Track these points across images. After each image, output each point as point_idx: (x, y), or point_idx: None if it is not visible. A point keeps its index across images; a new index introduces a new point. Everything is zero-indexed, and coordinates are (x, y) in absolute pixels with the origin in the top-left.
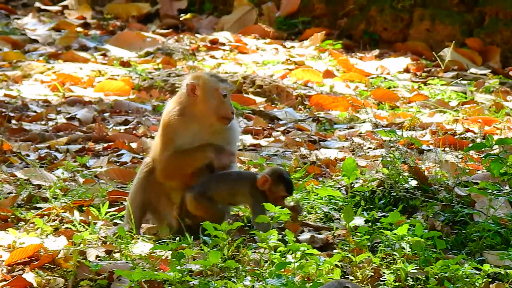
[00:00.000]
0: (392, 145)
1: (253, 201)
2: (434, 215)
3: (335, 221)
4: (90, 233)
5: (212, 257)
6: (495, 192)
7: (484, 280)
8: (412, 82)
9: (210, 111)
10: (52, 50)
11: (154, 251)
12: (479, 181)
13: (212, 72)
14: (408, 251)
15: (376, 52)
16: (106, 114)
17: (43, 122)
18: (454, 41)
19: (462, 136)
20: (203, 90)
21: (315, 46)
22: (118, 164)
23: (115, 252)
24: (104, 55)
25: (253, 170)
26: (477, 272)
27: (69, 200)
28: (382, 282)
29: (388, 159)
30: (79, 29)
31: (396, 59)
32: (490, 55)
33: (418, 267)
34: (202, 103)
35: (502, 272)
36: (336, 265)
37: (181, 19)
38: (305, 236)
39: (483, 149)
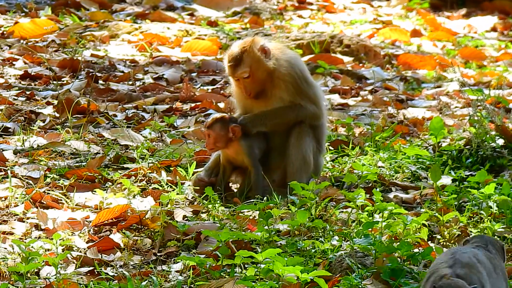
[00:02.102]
0: (479, 104)
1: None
2: None
3: (422, 180)
4: (178, 193)
5: (300, 216)
6: None
7: None
8: (499, 41)
9: None
10: (139, 10)
11: (241, 211)
12: None
13: None
14: (495, 210)
15: (463, 11)
16: (194, 74)
17: (130, 82)
18: None
19: None
20: None
21: (402, 5)
22: None
23: (202, 212)
24: (191, 14)
25: (340, 129)
26: None
27: (156, 161)
28: None
29: (476, 118)
30: None
31: (484, 18)
32: None
33: (505, 225)
34: None
35: None
36: (424, 224)
37: None
38: (393, 195)
39: None
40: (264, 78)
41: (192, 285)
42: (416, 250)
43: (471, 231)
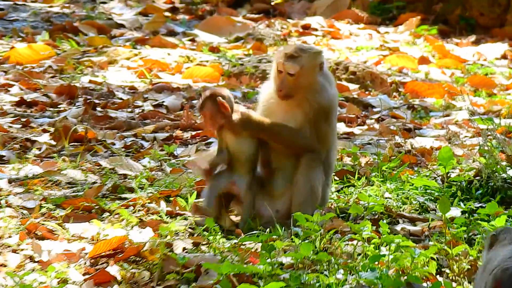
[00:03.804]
0: (489, 133)
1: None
2: None
3: (430, 212)
4: (178, 224)
5: (304, 249)
6: None
7: None
8: (510, 69)
9: None
10: (139, 35)
11: (243, 243)
12: None
13: None
14: None
15: (472, 37)
16: (195, 101)
17: (129, 110)
18: None
19: None
20: None
21: (410, 31)
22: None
23: (202, 244)
24: (192, 40)
25: (346, 159)
26: None
27: (156, 190)
28: None
29: (486, 148)
30: (167, 13)
31: (493, 45)
32: None
33: None
34: None
35: None
36: (432, 258)
37: (272, 3)
38: (400, 227)
39: None
40: (304, 89)
41: None
42: (424, 284)
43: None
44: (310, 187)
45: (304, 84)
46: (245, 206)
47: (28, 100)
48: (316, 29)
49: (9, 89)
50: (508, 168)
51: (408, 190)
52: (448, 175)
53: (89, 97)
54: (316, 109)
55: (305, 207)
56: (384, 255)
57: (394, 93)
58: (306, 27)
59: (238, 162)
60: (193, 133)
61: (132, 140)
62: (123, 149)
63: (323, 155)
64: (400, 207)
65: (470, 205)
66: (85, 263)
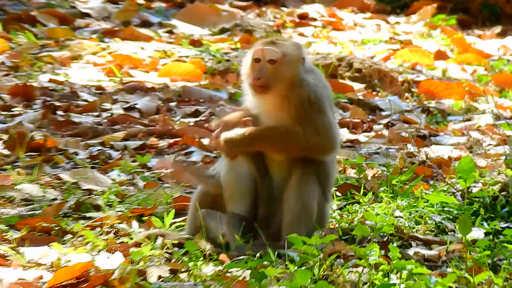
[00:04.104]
0: None
1: None
2: None
3: (448, 233)
4: (152, 249)
5: (300, 277)
6: None
7: None
8: None
9: None
10: (107, 26)
11: (228, 270)
12: None
13: None
14: None
15: (497, 29)
16: (173, 104)
17: (95, 114)
18: None
19: None
20: None
21: (424, 21)
22: (186, 164)
23: (181, 272)
24: (170, 32)
25: (349, 171)
26: None
27: (127, 209)
28: None
29: None
30: (140, 0)
31: None
32: None
33: None
34: None
35: None
36: (450, 287)
37: None
38: (413, 251)
39: None
40: (284, 82)
41: None
42: None
43: None
44: (302, 204)
45: (285, 75)
46: (233, 225)
47: None
48: (314, 19)
49: None
50: None
51: (423, 208)
52: (469, 190)
53: (48, 98)
54: (302, 104)
55: (297, 227)
56: (394, 284)
57: (406, 94)
58: (303, 17)
59: None
60: (171, 141)
61: (99, 150)
62: (88, 160)
63: (334, 153)
64: (413, 228)
65: (494, 225)
66: None
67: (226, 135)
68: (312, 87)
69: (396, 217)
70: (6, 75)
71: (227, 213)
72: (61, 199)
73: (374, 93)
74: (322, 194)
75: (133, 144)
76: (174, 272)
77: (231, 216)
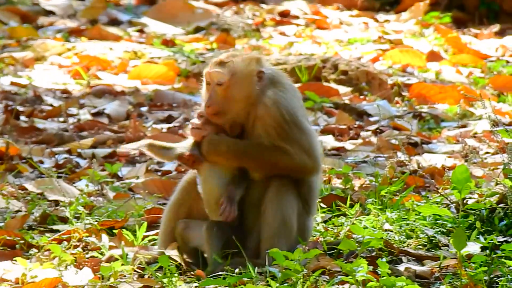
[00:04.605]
0: None
1: None
2: None
3: (442, 248)
4: (123, 264)
5: None
6: None
7: None
8: None
9: None
10: (73, 24)
11: (205, 287)
12: None
13: None
14: None
15: (495, 27)
16: (144, 109)
17: (61, 119)
18: None
19: None
20: None
21: (416, 19)
22: (159, 173)
23: None
24: (141, 31)
25: (335, 181)
26: None
27: (96, 221)
28: None
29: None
30: None
31: None
32: None
33: None
34: None
35: None
36: None
37: None
38: (403, 267)
39: None
40: (239, 104)
41: None
42: None
43: None
44: (282, 217)
45: (238, 96)
46: (213, 239)
47: None
48: (297, 17)
49: None
50: None
51: (414, 221)
52: (465, 201)
53: (10, 103)
54: (280, 124)
55: (277, 241)
56: None
57: (396, 98)
58: (285, 14)
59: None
60: None
61: (65, 158)
62: (54, 169)
63: (319, 170)
64: (404, 242)
65: (492, 239)
66: None
67: (212, 137)
68: (282, 102)
69: (386, 230)
70: None
71: (208, 223)
72: (26, 211)
73: (362, 97)
74: (303, 206)
75: (102, 152)
76: None
77: (212, 226)
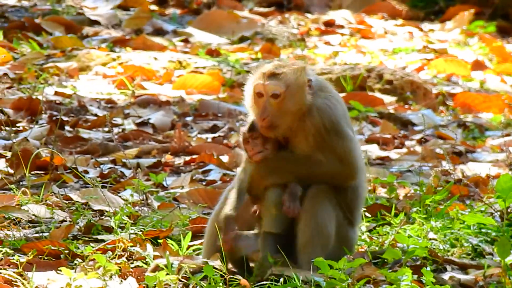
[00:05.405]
0: None
1: None
2: None
3: (486, 256)
4: (167, 274)
5: None
6: None
7: None
8: None
9: None
10: (117, 34)
11: None
12: None
13: None
14: None
15: None
16: (189, 118)
17: (106, 129)
18: None
19: None
20: None
21: (460, 28)
22: (204, 183)
23: None
24: (186, 41)
25: (380, 191)
26: None
27: (140, 231)
28: None
29: None
30: (153, 7)
31: None
32: None
33: None
34: None
35: None
36: None
37: None
38: (448, 275)
39: None
40: (292, 115)
41: None
42: None
43: None
44: (316, 225)
45: (292, 108)
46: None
47: None
48: (342, 26)
49: None
50: None
51: (458, 230)
52: (509, 210)
53: (55, 113)
54: (319, 132)
55: (311, 249)
56: None
57: (441, 107)
58: (329, 24)
59: None
60: (187, 158)
61: (110, 168)
62: (98, 179)
63: (356, 180)
64: (448, 251)
65: None
66: None
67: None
68: (325, 111)
69: (430, 239)
70: (9, 87)
71: (260, 232)
72: (70, 221)
73: (406, 106)
74: (345, 215)
75: (146, 161)
76: None
77: (264, 236)
